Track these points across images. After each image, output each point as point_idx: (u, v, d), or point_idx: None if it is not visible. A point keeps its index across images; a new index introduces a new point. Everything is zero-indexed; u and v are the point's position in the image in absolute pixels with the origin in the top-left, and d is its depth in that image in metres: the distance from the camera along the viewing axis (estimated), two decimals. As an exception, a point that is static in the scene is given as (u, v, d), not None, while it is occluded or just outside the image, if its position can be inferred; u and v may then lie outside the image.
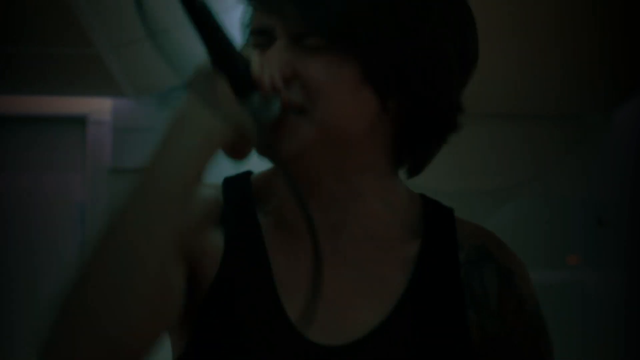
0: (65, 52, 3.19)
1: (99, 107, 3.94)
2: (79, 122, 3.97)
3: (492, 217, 3.60)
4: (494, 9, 2.68)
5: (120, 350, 0.78)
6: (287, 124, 0.89)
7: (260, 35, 0.93)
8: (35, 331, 0.81)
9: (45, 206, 3.97)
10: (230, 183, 1.02)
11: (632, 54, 3.08)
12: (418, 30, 0.90)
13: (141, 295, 0.79)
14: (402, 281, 0.95)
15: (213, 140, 0.84)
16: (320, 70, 0.89)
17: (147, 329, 0.80)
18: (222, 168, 0.99)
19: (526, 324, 0.98)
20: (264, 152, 0.92)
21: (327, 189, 0.94)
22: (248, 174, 1.03)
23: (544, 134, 3.83)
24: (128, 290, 0.79)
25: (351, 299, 0.94)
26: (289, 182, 0.88)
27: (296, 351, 0.90)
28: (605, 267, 3.78)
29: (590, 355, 3.68)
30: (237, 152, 0.88)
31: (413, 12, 0.90)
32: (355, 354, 0.91)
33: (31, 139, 3.99)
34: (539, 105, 3.73)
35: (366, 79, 0.89)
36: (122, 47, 3.31)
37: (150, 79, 3.81)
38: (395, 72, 0.90)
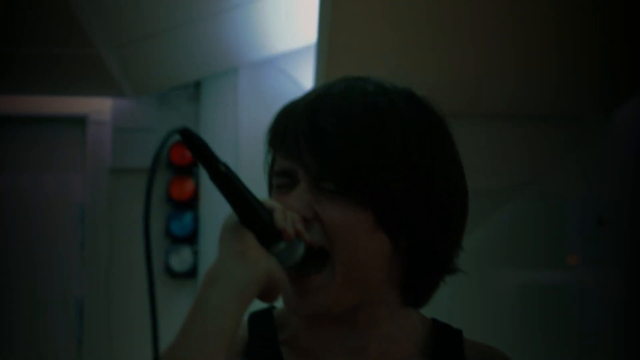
0: (66, 52, 3.20)
1: (99, 107, 3.94)
2: (79, 122, 3.97)
3: (492, 218, 3.60)
4: (493, 9, 2.69)
5: None
6: (312, 278, 0.98)
7: (283, 176, 1.02)
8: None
9: (45, 206, 3.97)
10: (255, 318, 1.10)
11: (632, 54, 3.09)
12: (423, 181, 0.99)
13: None
14: None
15: (246, 293, 0.93)
16: (337, 214, 0.98)
17: None
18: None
19: None
20: (292, 307, 1.01)
21: (348, 318, 1.02)
22: (271, 308, 1.11)
23: (544, 135, 3.83)
24: None
25: None
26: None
27: None
28: (605, 267, 3.78)
29: (590, 355, 3.68)
30: (268, 296, 0.96)
31: (417, 165, 0.98)
32: None
33: (31, 139, 3.99)
34: (539, 105, 3.73)
35: (379, 223, 0.98)
36: (122, 47, 3.31)
37: (150, 79, 3.81)
38: (403, 218, 0.98)
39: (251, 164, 3.89)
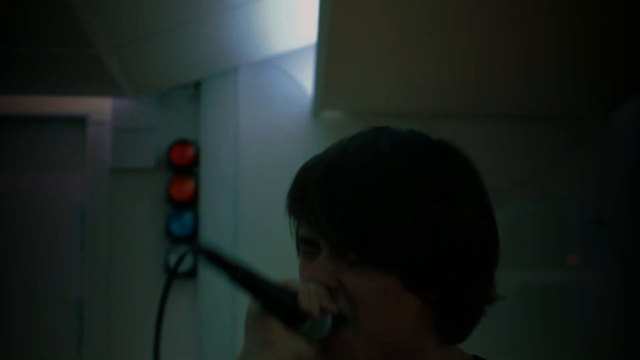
0: (65, 52, 3.20)
1: (99, 107, 3.94)
2: (79, 122, 3.97)
3: (492, 217, 3.60)
4: (493, 9, 2.69)
5: None
6: (338, 341, 0.98)
7: (307, 244, 1.01)
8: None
9: (45, 206, 3.97)
10: None
11: (632, 54, 3.09)
12: (447, 239, 0.97)
13: None
14: None
15: None
16: (361, 283, 0.97)
17: None
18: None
19: None
20: None
21: None
22: None
23: (544, 135, 3.83)
24: None
25: None
26: None
27: None
28: (604, 267, 3.78)
29: (590, 355, 3.68)
30: None
31: (439, 223, 0.97)
32: None
33: (31, 139, 3.99)
34: (539, 105, 3.73)
35: (406, 286, 0.97)
36: (122, 47, 3.31)
37: (150, 79, 3.81)
38: (431, 278, 0.97)
39: (251, 163, 3.89)
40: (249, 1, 3.32)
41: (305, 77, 3.80)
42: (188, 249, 0.94)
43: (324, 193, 0.97)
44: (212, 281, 3.76)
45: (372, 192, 0.96)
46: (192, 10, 3.27)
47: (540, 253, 3.75)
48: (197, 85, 3.95)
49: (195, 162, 3.89)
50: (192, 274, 3.86)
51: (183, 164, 3.87)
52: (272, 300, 0.94)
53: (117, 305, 3.90)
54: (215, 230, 3.82)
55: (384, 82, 3.37)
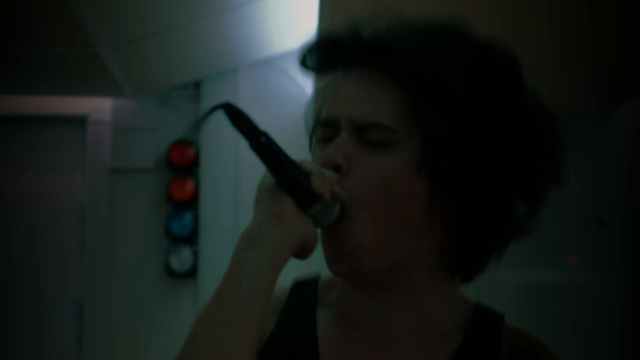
0: (66, 52, 3.20)
1: (99, 107, 3.94)
2: (79, 122, 3.97)
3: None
4: (492, 9, 2.69)
5: None
6: (341, 230, 0.96)
7: (327, 127, 1.00)
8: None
9: (45, 206, 3.97)
10: (298, 284, 1.09)
11: (632, 54, 3.09)
12: (481, 133, 0.95)
13: None
14: None
15: (281, 254, 0.92)
16: (377, 166, 0.95)
17: None
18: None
19: None
20: (329, 265, 0.99)
21: (383, 281, 0.99)
22: (317, 278, 1.09)
23: (544, 134, 3.82)
24: None
25: None
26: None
27: None
28: (604, 267, 3.79)
29: (589, 355, 3.68)
30: (301, 254, 0.95)
31: (482, 112, 0.95)
32: None
33: (31, 139, 3.99)
34: (539, 105, 3.73)
35: (421, 173, 0.94)
36: (122, 47, 3.31)
37: (150, 79, 3.81)
38: (451, 169, 0.94)
39: (251, 163, 3.89)
40: (249, 1, 3.32)
41: (305, 77, 3.80)
42: (218, 106, 0.95)
43: (367, 29, 1.01)
44: (212, 281, 3.75)
45: (429, 50, 0.97)
46: (192, 10, 3.27)
47: (539, 253, 3.75)
48: (197, 85, 3.95)
49: (195, 162, 3.89)
50: (192, 273, 3.86)
51: (183, 164, 3.87)
52: (287, 176, 0.93)
53: (117, 305, 3.91)
54: (215, 230, 3.82)
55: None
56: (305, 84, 3.82)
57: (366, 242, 0.95)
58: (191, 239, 3.86)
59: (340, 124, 0.97)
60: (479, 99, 0.95)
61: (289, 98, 3.85)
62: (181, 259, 3.86)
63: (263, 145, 0.94)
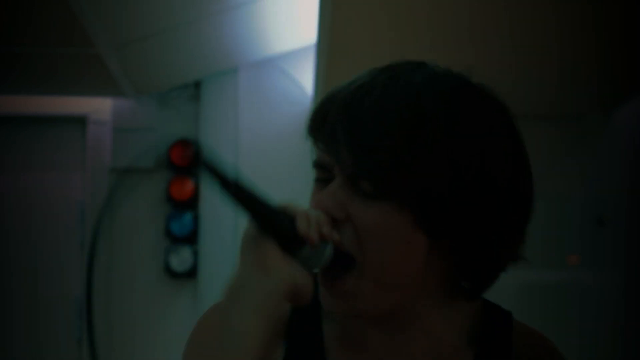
0: (66, 52, 3.20)
1: (99, 107, 3.94)
2: (79, 122, 3.97)
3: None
4: (493, 9, 2.69)
5: None
6: (343, 281, 0.93)
7: (321, 169, 0.96)
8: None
9: (45, 206, 3.97)
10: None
11: (632, 54, 3.09)
12: (469, 181, 0.92)
13: None
14: None
15: (269, 304, 0.88)
16: (372, 216, 0.91)
17: None
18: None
19: None
20: (327, 307, 0.97)
21: (388, 315, 0.97)
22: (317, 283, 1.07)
23: (543, 134, 3.83)
24: None
25: None
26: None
27: None
28: (604, 267, 3.78)
29: (589, 355, 3.68)
30: (296, 300, 0.91)
31: (464, 165, 0.92)
32: None
33: (31, 139, 4.00)
34: (538, 105, 3.73)
35: (419, 225, 0.91)
36: (122, 47, 3.31)
37: (150, 79, 3.81)
38: (446, 220, 0.92)
39: (251, 163, 3.89)
40: (249, 1, 3.32)
41: (305, 77, 3.80)
42: (193, 145, 0.91)
43: (348, 115, 0.92)
44: (212, 281, 3.75)
45: (398, 121, 0.90)
46: (192, 10, 3.27)
47: (540, 253, 3.75)
48: (197, 85, 3.95)
49: (195, 162, 3.88)
50: (192, 273, 3.86)
51: (183, 164, 3.87)
52: (268, 221, 0.89)
53: (117, 305, 3.91)
54: (215, 230, 3.82)
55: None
56: (305, 84, 3.82)
57: (366, 290, 0.93)
58: (191, 239, 3.86)
59: (334, 170, 0.94)
60: (465, 146, 0.92)
61: (289, 98, 3.85)
62: (181, 259, 3.86)
63: (236, 194, 0.89)
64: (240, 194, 0.90)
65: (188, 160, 3.88)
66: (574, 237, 3.79)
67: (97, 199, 3.94)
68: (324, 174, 0.96)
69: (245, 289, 0.88)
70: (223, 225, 3.82)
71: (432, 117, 0.91)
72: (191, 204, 3.87)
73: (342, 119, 0.92)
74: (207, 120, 3.91)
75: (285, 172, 3.53)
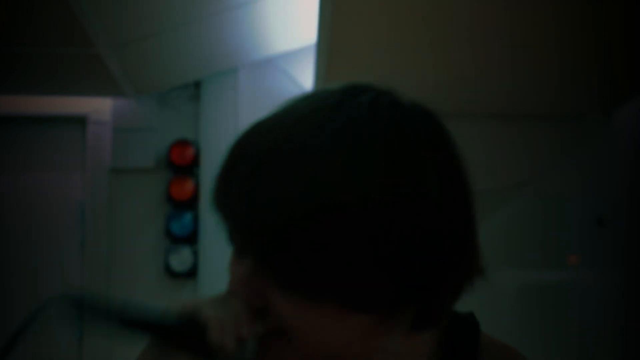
0: (66, 52, 3.20)
1: (99, 107, 3.94)
2: (79, 122, 3.97)
3: (491, 218, 3.60)
4: (492, 9, 2.69)
5: None
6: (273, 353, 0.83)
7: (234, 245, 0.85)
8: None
9: (45, 206, 3.97)
10: None
11: (632, 54, 3.09)
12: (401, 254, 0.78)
13: None
14: None
15: None
16: (294, 312, 0.79)
17: None
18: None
19: None
20: None
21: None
22: None
23: (543, 135, 3.83)
24: None
25: None
26: None
27: None
28: (604, 267, 3.78)
29: (590, 355, 3.68)
30: None
31: (387, 239, 0.77)
32: None
33: (31, 139, 4.00)
34: (538, 105, 3.73)
35: (353, 309, 0.79)
36: (122, 47, 3.31)
37: (150, 79, 3.81)
38: (383, 294, 0.79)
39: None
40: (249, 1, 3.32)
41: (305, 77, 3.80)
42: (57, 300, 0.80)
43: (245, 198, 0.78)
44: (212, 281, 3.76)
45: (305, 197, 0.75)
46: (192, 10, 3.27)
47: (540, 253, 3.75)
48: (197, 85, 3.95)
49: (195, 162, 3.89)
50: (192, 274, 3.86)
51: (183, 164, 3.87)
52: (173, 339, 0.79)
53: (117, 305, 3.90)
54: (215, 230, 3.81)
55: (383, 82, 3.37)
56: (305, 84, 3.82)
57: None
58: (191, 239, 3.86)
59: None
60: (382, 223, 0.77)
61: (288, 98, 3.85)
62: (181, 259, 3.86)
63: (122, 321, 0.80)
64: (130, 320, 0.80)
65: (189, 161, 3.88)
66: (574, 237, 3.79)
67: (97, 199, 3.94)
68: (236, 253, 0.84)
69: None
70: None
71: (347, 188, 0.76)
72: (191, 204, 3.87)
73: (241, 200, 0.79)
74: (207, 120, 3.91)
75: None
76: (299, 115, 0.81)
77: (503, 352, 0.94)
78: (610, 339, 3.70)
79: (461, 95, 3.53)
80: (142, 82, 3.77)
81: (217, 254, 3.76)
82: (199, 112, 3.94)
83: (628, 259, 3.71)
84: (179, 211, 3.86)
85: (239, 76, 3.90)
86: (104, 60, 3.27)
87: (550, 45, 3.02)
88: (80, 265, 3.93)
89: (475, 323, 0.94)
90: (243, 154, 0.80)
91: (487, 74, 3.30)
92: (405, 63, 3.16)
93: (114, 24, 3.13)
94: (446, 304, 0.86)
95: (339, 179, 0.76)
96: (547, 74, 3.31)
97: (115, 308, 0.79)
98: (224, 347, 0.78)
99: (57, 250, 3.95)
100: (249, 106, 3.88)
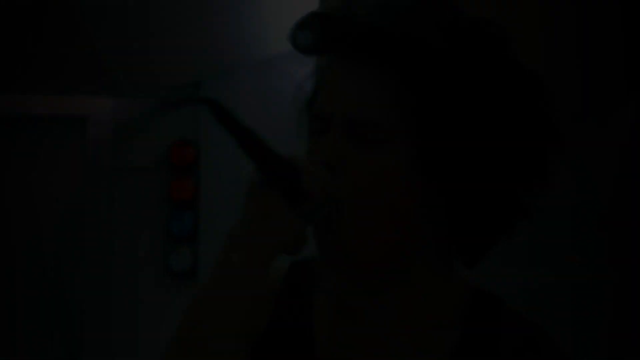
0: (66, 52, 3.20)
1: (99, 107, 3.94)
2: (79, 122, 3.97)
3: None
4: (492, 8, 2.69)
5: None
6: (338, 225, 0.93)
7: (319, 121, 0.97)
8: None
9: (45, 206, 3.97)
10: (295, 266, 1.06)
11: (632, 54, 3.09)
12: (484, 120, 0.92)
13: None
14: None
15: (268, 253, 0.91)
16: (370, 163, 0.91)
17: None
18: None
19: None
20: (321, 261, 0.98)
21: (379, 277, 0.96)
22: (314, 259, 1.05)
23: (544, 134, 3.83)
24: None
25: None
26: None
27: None
28: (604, 267, 3.79)
29: (589, 355, 3.68)
30: (291, 251, 0.93)
31: (482, 99, 0.92)
32: None
33: (31, 139, 4.00)
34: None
35: (416, 170, 0.91)
36: (122, 47, 3.32)
37: (150, 79, 3.81)
38: (453, 165, 0.91)
39: (251, 163, 3.89)
40: (249, 1, 3.32)
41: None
42: (200, 100, 0.91)
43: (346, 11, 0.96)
44: (212, 281, 3.76)
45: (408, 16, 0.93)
46: (192, 10, 3.28)
47: (540, 253, 3.75)
48: (197, 85, 3.95)
49: (195, 162, 3.89)
50: (192, 273, 3.86)
51: (183, 164, 3.87)
52: (275, 174, 0.91)
53: (117, 305, 3.91)
54: (215, 230, 3.82)
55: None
56: (306, 84, 3.82)
57: (361, 240, 0.92)
58: (191, 239, 3.86)
59: (333, 120, 0.95)
60: (478, 86, 0.92)
61: (289, 98, 3.85)
62: (181, 259, 3.86)
63: (250, 142, 0.92)
64: (249, 141, 0.93)
65: (189, 161, 3.88)
66: (574, 237, 3.80)
67: (97, 199, 3.94)
68: (321, 125, 0.96)
69: (246, 237, 0.92)
70: (223, 225, 3.81)
71: (455, 47, 0.95)
72: (191, 204, 3.87)
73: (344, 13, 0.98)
74: (207, 120, 3.91)
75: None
76: None
77: (526, 328, 1.01)
78: (610, 339, 3.70)
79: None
80: (142, 82, 3.77)
81: (217, 254, 3.76)
82: (199, 112, 3.94)
83: (628, 259, 3.71)
84: (179, 211, 3.86)
85: (239, 76, 3.90)
86: (104, 60, 3.27)
87: (550, 45, 3.02)
88: (80, 265, 3.93)
89: (501, 297, 1.01)
90: None
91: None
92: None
93: (114, 24, 3.14)
94: (486, 242, 0.96)
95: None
96: (547, 73, 3.31)
97: (245, 127, 0.94)
98: (313, 194, 0.90)
99: (57, 251, 3.95)
100: (249, 106, 3.88)
